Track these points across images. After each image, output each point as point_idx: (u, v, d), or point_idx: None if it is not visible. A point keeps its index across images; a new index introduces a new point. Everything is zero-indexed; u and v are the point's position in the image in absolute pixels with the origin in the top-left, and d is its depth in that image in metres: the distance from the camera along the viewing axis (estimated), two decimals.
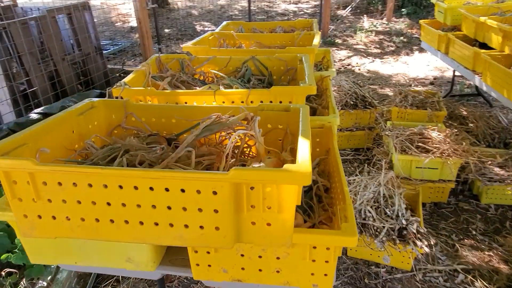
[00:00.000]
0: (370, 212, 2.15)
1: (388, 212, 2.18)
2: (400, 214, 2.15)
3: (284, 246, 0.80)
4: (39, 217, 0.80)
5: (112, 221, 0.79)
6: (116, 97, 1.29)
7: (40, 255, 1.03)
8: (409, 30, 7.38)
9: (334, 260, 0.91)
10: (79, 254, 1.02)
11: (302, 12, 9.29)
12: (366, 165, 3.05)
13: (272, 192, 0.73)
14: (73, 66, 4.30)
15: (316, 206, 1.13)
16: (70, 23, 4.32)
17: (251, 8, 9.77)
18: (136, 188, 0.74)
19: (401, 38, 6.94)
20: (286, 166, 0.70)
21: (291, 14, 9.10)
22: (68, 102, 3.60)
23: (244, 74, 1.53)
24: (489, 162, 2.79)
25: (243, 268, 0.95)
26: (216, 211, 0.74)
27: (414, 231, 2.06)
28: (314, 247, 0.89)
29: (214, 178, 0.71)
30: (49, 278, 1.93)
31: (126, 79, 1.34)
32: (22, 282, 1.90)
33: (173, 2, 9.80)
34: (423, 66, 5.69)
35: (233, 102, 1.27)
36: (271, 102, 1.27)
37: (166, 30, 7.81)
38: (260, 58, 1.62)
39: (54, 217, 0.80)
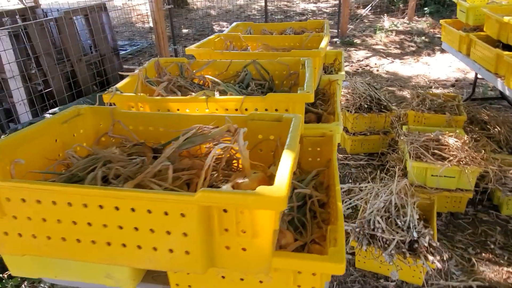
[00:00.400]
0: (379, 223, 2.05)
1: (399, 223, 2.07)
2: (411, 226, 2.04)
3: (262, 273, 0.73)
4: (6, 233, 0.77)
5: (78, 240, 0.74)
6: (110, 104, 1.26)
7: (20, 268, 1.00)
8: (431, 30, 7.15)
9: (321, 285, 0.84)
10: (59, 268, 0.98)
11: (321, 12, 9.15)
12: (379, 171, 2.93)
13: (245, 215, 0.67)
14: (90, 67, 4.35)
15: (309, 223, 1.06)
16: (87, 24, 4.38)
17: (270, 8, 9.71)
18: (101, 207, 0.69)
19: (423, 38, 6.73)
20: (259, 189, 0.63)
21: (310, 14, 8.98)
22: (82, 103, 3.63)
23: (244, 78, 1.47)
24: (511, 171, 2.63)
25: None
26: (185, 234, 0.69)
27: (426, 244, 1.95)
28: (299, 272, 0.82)
29: (181, 200, 0.65)
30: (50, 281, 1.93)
31: (119, 85, 1.30)
32: (23, 285, 1.90)
33: (192, 3, 9.83)
34: (444, 67, 5.49)
35: (227, 109, 1.21)
36: (266, 110, 1.20)
37: (184, 31, 7.83)
38: (262, 62, 1.56)
39: (20, 235, 0.76)
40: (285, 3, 10.20)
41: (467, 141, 2.55)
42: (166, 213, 0.67)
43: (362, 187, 2.62)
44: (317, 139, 1.38)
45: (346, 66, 5.74)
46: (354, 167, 3.19)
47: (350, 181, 3.00)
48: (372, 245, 2.01)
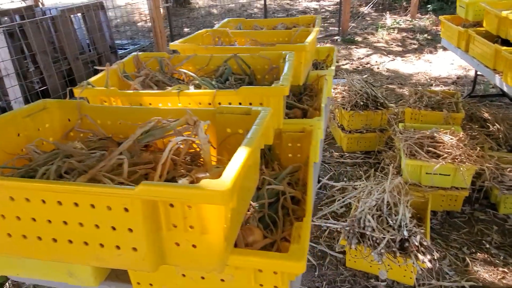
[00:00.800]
0: (369, 222, 2.00)
1: (391, 222, 2.02)
2: (402, 225, 1.99)
3: (215, 271, 0.70)
4: None
5: (24, 237, 0.71)
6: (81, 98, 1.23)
7: None
8: (434, 27, 7.06)
9: (284, 285, 0.80)
10: (21, 265, 0.96)
11: (324, 10, 9.09)
12: (373, 170, 2.88)
13: (192, 210, 0.64)
14: (87, 65, 4.35)
15: (281, 220, 1.02)
16: (85, 22, 4.37)
17: (272, 6, 9.67)
18: (44, 202, 0.66)
19: (425, 35, 6.64)
20: (203, 182, 0.60)
21: (312, 11, 8.92)
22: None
23: (223, 73, 1.43)
24: (509, 169, 2.57)
25: None
26: (130, 230, 0.65)
27: (417, 243, 1.90)
28: (260, 271, 0.79)
29: (121, 194, 0.61)
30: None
31: (92, 79, 1.28)
32: (7, 284, 1.88)
33: (194, 2, 9.82)
34: (446, 64, 5.41)
35: (200, 104, 1.18)
36: (240, 104, 1.16)
37: (186, 29, 7.82)
38: (243, 56, 1.52)
39: None
40: (287, 1, 10.16)
41: (463, 138, 2.49)
42: (109, 208, 0.64)
43: (356, 185, 2.57)
44: (297, 135, 1.34)
45: (346, 64, 5.69)
46: (350, 165, 3.14)
47: (345, 179, 2.95)
48: (362, 244, 1.97)
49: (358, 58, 5.91)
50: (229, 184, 0.59)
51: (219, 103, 1.16)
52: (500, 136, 3.00)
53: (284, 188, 1.07)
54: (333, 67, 2.12)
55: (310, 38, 1.81)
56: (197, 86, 1.28)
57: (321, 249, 2.26)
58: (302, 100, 1.81)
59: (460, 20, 3.75)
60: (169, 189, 0.60)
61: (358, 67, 5.57)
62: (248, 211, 1.01)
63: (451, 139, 2.47)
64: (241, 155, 0.69)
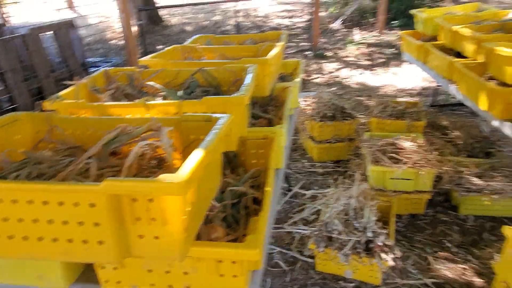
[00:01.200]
0: (336, 225, 2.10)
1: (357, 225, 2.13)
2: (368, 227, 2.09)
3: (176, 260, 0.76)
4: None
5: None
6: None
7: None
8: (399, 42, 7.38)
9: (243, 274, 0.87)
10: None
11: (296, 26, 9.37)
12: (341, 177, 3.00)
13: (154, 204, 0.71)
14: (58, 83, 4.34)
15: (243, 219, 1.10)
16: (56, 40, 4.38)
17: (246, 23, 9.89)
18: (14, 201, 0.72)
19: (392, 49, 6.95)
20: (161, 176, 0.67)
21: (285, 28, 9.17)
22: None
23: (190, 85, 1.52)
24: (467, 172, 2.74)
25: (153, 284, 0.92)
26: (97, 224, 0.72)
27: (381, 244, 2.01)
28: (220, 261, 0.86)
29: (88, 190, 0.68)
30: None
31: (62, 93, 1.33)
32: None
33: (168, 19, 9.93)
34: (411, 76, 5.68)
35: (167, 114, 1.25)
36: (205, 113, 1.24)
37: (159, 47, 7.89)
38: (209, 70, 1.61)
39: None
40: (261, 18, 10.41)
41: (423, 145, 2.65)
42: (76, 204, 0.70)
43: (325, 192, 2.67)
44: (260, 142, 1.43)
45: (318, 77, 5.89)
46: (320, 174, 3.25)
47: (316, 187, 3.06)
48: (330, 247, 2.05)
49: (329, 72, 6.13)
50: (185, 176, 0.67)
51: (184, 113, 1.24)
52: (459, 142, 3.19)
53: (245, 189, 1.15)
54: (298, 79, 2.24)
55: (273, 52, 1.92)
56: (164, 98, 1.35)
57: (292, 255, 2.34)
58: (267, 111, 1.91)
59: (420, 35, 3.99)
60: (132, 183, 0.67)
61: (329, 81, 5.77)
62: (212, 211, 1.09)
63: (412, 145, 2.63)
64: (197, 154, 0.76)
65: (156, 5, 9.49)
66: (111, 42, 8.42)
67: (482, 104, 2.43)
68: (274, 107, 1.95)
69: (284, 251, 2.37)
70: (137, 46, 4.95)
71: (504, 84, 2.33)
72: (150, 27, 9.02)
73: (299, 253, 2.34)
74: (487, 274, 2.12)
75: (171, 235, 0.73)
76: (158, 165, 1.01)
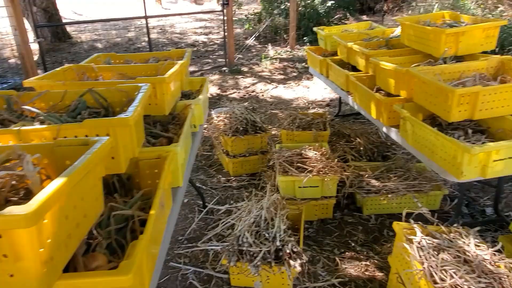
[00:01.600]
0: (247, 238, 2.13)
1: (267, 235, 2.18)
2: (277, 236, 2.16)
3: None
4: None
5: None
6: None
7: None
8: None
9: None
10: None
11: (212, 43, 9.48)
12: (254, 190, 3.07)
13: (3, 239, 0.66)
14: None
15: (128, 244, 1.07)
16: None
17: (162, 40, 9.77)
18: None
19: (303, 64, 7.36)
20: (7, 208, 0.63)
21: (201, 45, 9.24)
22: None
23: (76, 107, 1.45)
24: (366, 175, 2.97)
25: None
26: None
27: (289, 251, 2.08)
28: None
29: None
30: None
31: None
32: None
33: (77, 36, 9.42)
34: (321, 89, 6.06)
35: (45, 139, 1.18)
36: (86, 136, 1.20)
37: (67, 65, 7.43)
38: (100, 90, 1.56)
39: None
40: (177, 35, 10.36)
41: (325, 153, 2.82)
42: None
43: (239, 206, 2.71)
44: (154, 161, 1.41)
45: (234, 93, 6.00)
46: (236, 188, 3.29)
47: (231, 202, 3.08)
48: (242, 260, 2.08)
49: (245, 87, 6.28)
50: (34, 207, 0.63)
51: (65, 137, 1.18)
52: (361, 148, 3.47)
53: (132, 212, 1.12)
54: (201, 96, 2.26)
55: (172, 70, 1.92)
56: (42, 122, 1.27)
57: (207, 272, 2.32)
58: (169, 129, 1.90)
59: (322, 50, 4.29)
60: None
61: (245, 95, 5.91)
62: (95, 239, 1.04)
63: (315, 154, 2.79)
64: (55, 182, 0.73)
65: (64, 21, 8.96)
66: (11, 61, 7.73)
67: (373, 113, 2.68)
68: (175, 125, 1.94)
69: (198, 270, 2.34)
70: (37, 66, 4.60)
71: (389, 95, 2.59)
72: (55, 44, 8.47)
73: (213, 270, 2.33)
74: (386, 268, 2.31)
75: (27, 271, 0.68)
76: (26, 195, 0.95)
